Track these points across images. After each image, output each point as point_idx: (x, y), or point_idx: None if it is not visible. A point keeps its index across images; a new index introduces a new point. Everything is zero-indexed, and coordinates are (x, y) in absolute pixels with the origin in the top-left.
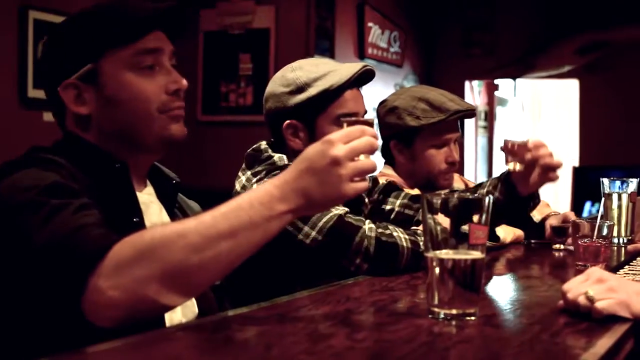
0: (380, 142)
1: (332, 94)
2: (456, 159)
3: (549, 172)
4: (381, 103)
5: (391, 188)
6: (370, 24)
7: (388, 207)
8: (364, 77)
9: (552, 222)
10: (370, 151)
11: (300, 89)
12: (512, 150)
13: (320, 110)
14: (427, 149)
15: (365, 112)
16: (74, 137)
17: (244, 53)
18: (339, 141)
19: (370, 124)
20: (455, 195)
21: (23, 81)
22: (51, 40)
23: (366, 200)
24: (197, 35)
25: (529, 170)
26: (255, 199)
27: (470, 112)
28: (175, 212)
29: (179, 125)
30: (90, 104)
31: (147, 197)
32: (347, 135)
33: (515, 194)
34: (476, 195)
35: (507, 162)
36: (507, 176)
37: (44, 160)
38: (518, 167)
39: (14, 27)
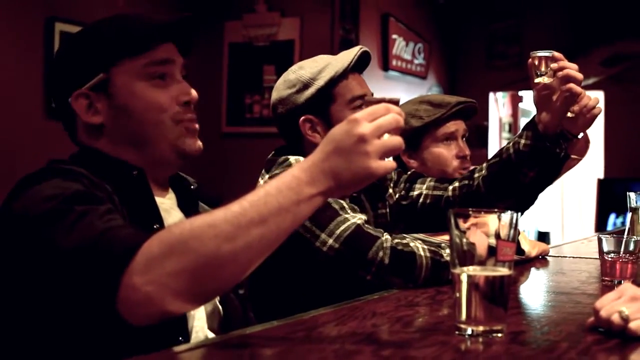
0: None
1: (338, 81)
2: (467, 154)
3: (570, 86)
4: None
5: (417, 175)
6: (394, 36)
7: (416, 192)
8: (363, 61)
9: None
10: (396, 128)
11: (307, 84)
12: (539, 65)
13: (331, 100)
14: (435, 148)
15: (372, 94)
16: (89, 149)
17: (268, 65)
18: (364, 119)
19: (394, 102)
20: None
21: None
22: (62, 51)
23: (390, 190)
24: (222, 47)
25: (552, 91)
26: (283, 184)
27: (472, 105)
28: None
29: (193, 140)
30: (102, 113)
31: (169, 204)
32: (372, 113)
33: (542, 135)
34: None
35: (534, 77)
36: (530, 122)
37: (65, 171)
38: (546, 80)
39: (40, 39)
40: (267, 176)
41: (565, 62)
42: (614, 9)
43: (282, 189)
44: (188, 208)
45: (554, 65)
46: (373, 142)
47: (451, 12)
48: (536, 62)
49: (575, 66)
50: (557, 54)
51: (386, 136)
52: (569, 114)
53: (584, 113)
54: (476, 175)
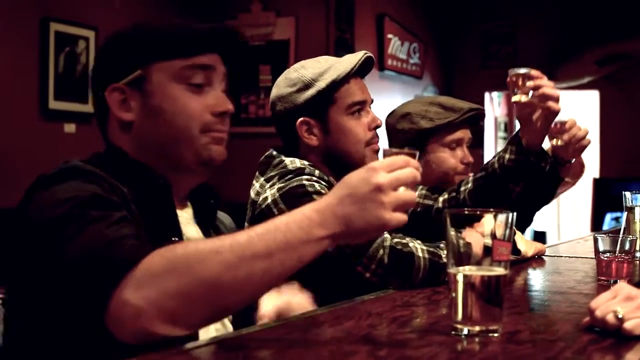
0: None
1: (340, 85)
2: (470, 161)
3: (548, 105)
4: (390, 114)
5: None
6: (389, 36)
7: None
8: (366, 66)
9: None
10: (413, 182)
11: (308, 85)
12: (516, 83)
13: (330, 103)
14: (441, 151)
15: (372, 100)
16: (116, 150)
17: (264, 64)
18: (383, 169)
19: (413, 155)
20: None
21: (44, 93)
22: (106, 44)
23: None
24: None
25: (533, 109)
26: (293, 222)
27: (482, 112)
28: (210, 232)
29: (220, 147)
30: (134, 110)
31: (186, 217)
32: (391, 164)
33: (525, 150)
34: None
35: (512, 94)
36: (514, 137)
37: (84, 172)
38: (523, 98)
39: (35, 39)
40: (262, 179)
41: (541, 81)
42: (607, 9)
43: (291, 226)
44: (205, 222)
45: (529, 84)
46: (389, 193)
47: (446, 11)
48: (514, 79)
49: (551, 84)
50: (534, 72)
51: (402, 189)
52: (559, 142)
53: (573, 143)
54: (462, 188)
